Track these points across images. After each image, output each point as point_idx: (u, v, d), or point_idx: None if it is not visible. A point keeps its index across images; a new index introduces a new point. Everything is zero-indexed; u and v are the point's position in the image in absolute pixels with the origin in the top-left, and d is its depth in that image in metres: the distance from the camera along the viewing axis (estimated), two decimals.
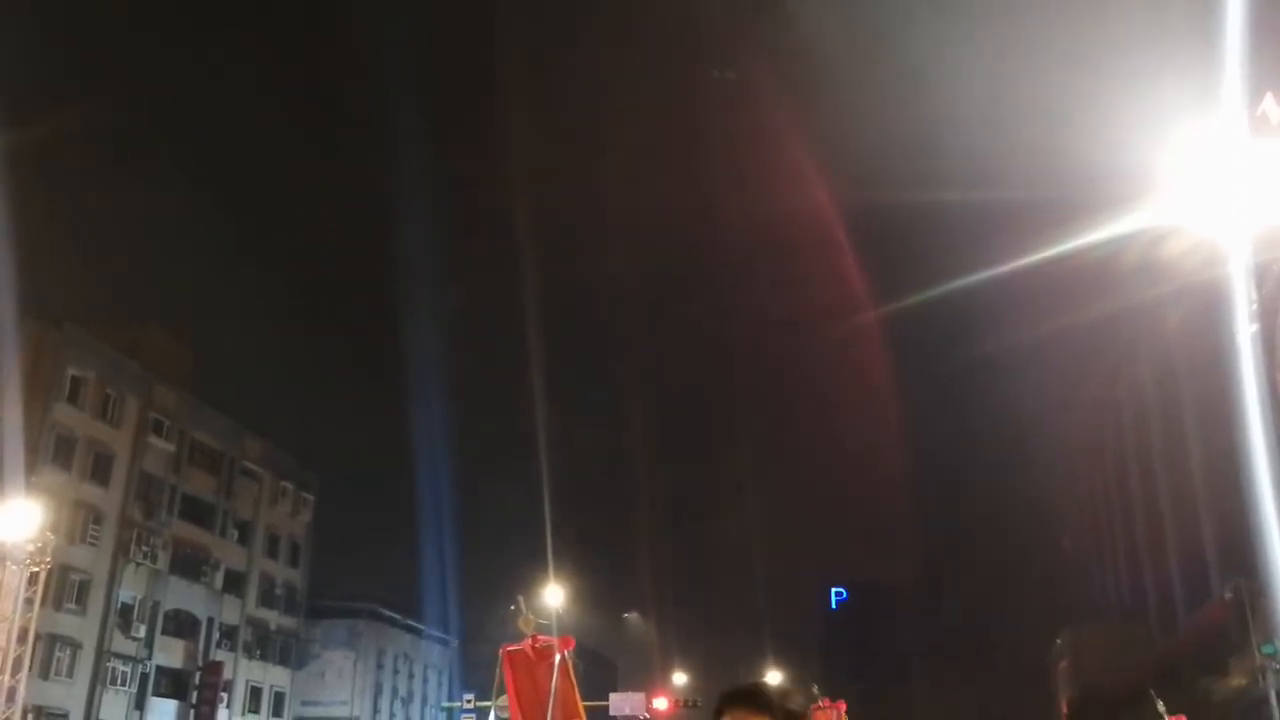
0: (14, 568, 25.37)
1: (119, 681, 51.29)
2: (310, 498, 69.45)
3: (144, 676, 53.15)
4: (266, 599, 64.41)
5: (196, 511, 58.54)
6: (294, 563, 67.99)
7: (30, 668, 30.33)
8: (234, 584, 61.25)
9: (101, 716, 49.66)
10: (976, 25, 45.60)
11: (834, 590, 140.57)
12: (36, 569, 26.36)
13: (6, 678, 25.18)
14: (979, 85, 45.82)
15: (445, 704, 76.55)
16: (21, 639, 26.40)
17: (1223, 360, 36.59)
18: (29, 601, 26.36)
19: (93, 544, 50.09)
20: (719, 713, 3.28)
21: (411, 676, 78.36)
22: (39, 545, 26.21)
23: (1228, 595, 41.16)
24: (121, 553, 51.79)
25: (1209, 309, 32.67)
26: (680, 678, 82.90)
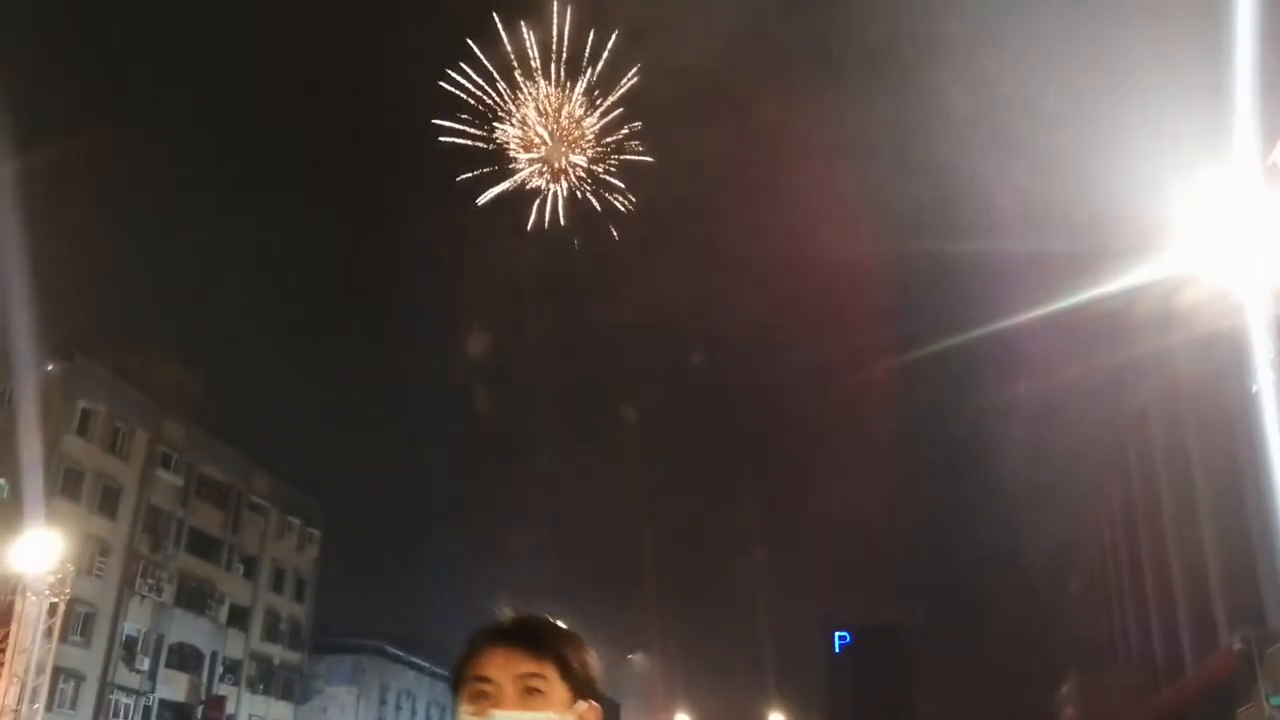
0: (34, 599, 25.49)
1: (121, 714, 51.15)
2: (317, 533, 69.38)
3: (147, 709, 52.95)
4: (271, 633, 64.23)
5: (203, 545, 58.53)
6: (299, 598, 67.84)
7: (37, 699, 30.46)
8: (238, 618, 61.10)
9: None
10: (990, 78, 46.05)
11: (838, 634, 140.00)
12: (56, 600, 26.46)
13: (24, 708, 25.20)
14: (992, 136, 46.20)
15: None
16: (37, 670, 26.44)
17: (1233, 408, 36.74)
18: (46, 633, 26.42)
19: (99, 576, 50.08)
20: (468, 657, 2.24)
21: (414, 713, 77.87)
22: (59, 577, 26.33)
23: (1237, 645, 40.97)
24: (127, 585, 51.80)
25: (1221, 357, 32.84)
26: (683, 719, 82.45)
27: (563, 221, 50.78)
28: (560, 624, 2.35)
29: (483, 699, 2.19)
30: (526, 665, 2.20)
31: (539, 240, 52.06)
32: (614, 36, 47.65)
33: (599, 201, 50.42)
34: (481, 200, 49.89)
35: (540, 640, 2.24)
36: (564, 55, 47.83)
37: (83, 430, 50.00)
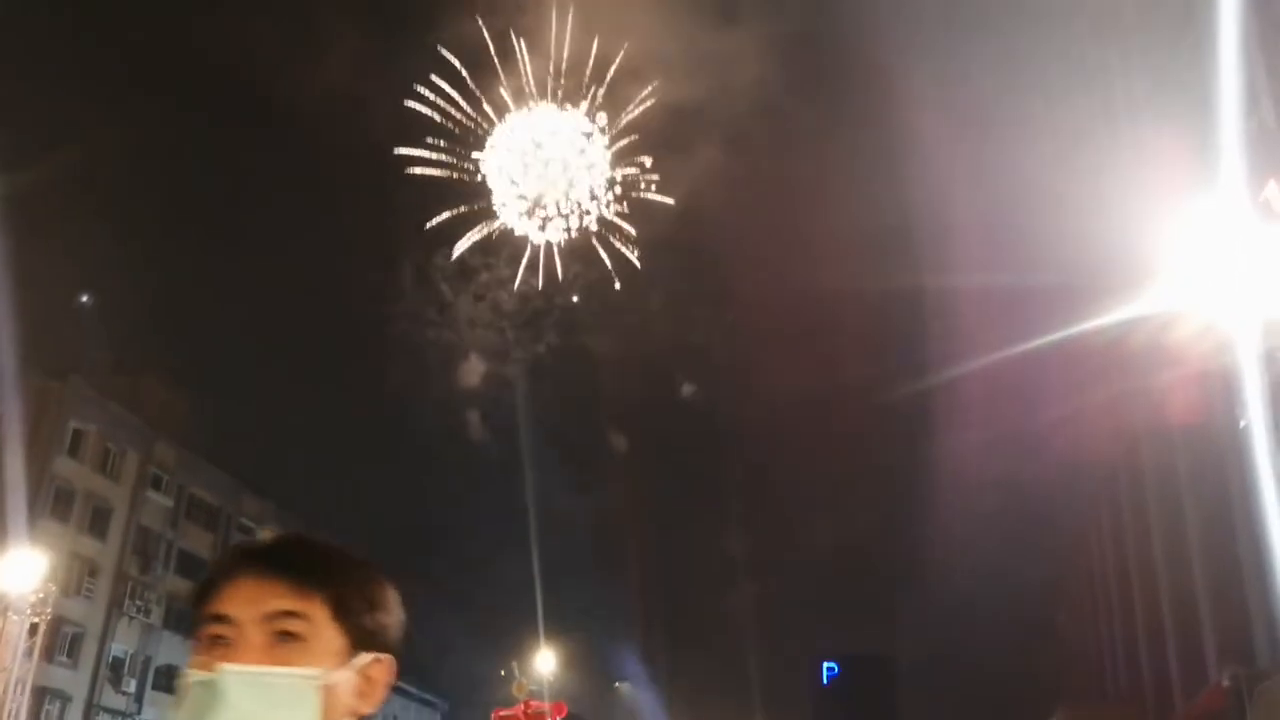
0: (15, 618, 25.38)
1: None
2: None
3: None
4: None
5: (192, 566, 58.19)
6: None
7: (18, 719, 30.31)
8: None
9: None
10: (982, 115, 46.31)
11: (825, 664, 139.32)
12: (37, 620, 26.35)
13: None
14: (987, 174, 46.42)
15: None
16: (18, 690, 26.32)
17: (1224, 443, 36.77)
18: (27, 652, 26.31)
19: (87, 597, 49.88)
20: (206, 587, 1.62)
21: None
22: (41, 596, 26.25)
23: (1225, 682, 40.86)
24: (115, 606, 51.54)
25: (1212, 392, 32.90)
26: None
27: (560, 275, 50.55)
28: (342, 549, 1.72)
29: (217, 645, 1.57)
30: (282, 600, 1.58)
31: (536, 271, 52.16)
32: (611, 68, 47.87)
33: (603, 245, 50.18)
34: (462, 247, 49.91)
35: (306, 568, 1.62)
36: (561, 81, 47.95)
37: (74, 451, 49.88)
